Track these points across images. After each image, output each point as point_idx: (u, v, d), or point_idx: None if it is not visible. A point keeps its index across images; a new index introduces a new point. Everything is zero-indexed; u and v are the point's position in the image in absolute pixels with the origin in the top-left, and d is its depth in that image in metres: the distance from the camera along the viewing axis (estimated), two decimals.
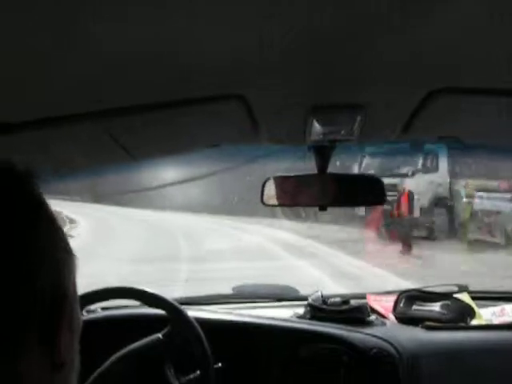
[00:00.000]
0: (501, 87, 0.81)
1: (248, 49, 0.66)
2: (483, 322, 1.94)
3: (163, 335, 1.59)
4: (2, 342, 0.48)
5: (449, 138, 1.11)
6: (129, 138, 0.98)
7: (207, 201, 16.47)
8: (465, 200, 10.49)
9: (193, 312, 1.67)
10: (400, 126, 1.00)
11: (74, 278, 0.56)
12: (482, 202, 10.00)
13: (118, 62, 0.68)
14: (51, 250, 0.54)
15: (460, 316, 1.94)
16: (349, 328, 1.80)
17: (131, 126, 0.92)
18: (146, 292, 1.66)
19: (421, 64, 0.72)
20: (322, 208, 1.30)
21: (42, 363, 0.50)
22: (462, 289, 2.17)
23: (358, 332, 1.78)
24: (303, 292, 2.27)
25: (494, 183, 10.11)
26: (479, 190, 10.20)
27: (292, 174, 1.34)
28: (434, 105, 0.86)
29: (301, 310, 1.97)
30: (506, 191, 9.75)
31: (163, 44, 0.63)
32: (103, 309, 1.86)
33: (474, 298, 2.06)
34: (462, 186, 10.67)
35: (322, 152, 1.22)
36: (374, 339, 1.74)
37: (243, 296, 2.26)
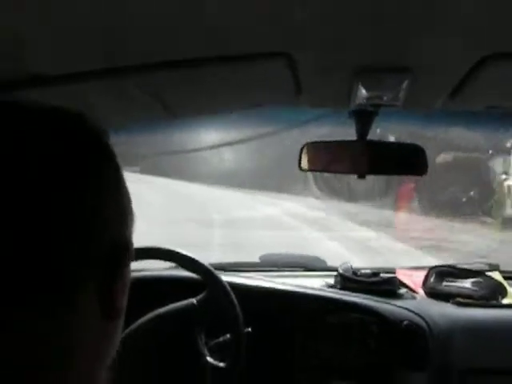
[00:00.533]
0: None
1: (292, 5, 0.64)
2: None
3: (198, 301, 1.59)
4: (63, 282, 0.48)
5: (498, 107, 1.07)
6: (169, 93, 0.97)
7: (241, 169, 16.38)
8: (502, 177, 10.31)
9: (225, 277, 1.68)
10: (448, 93, 0.97)
11: (132, 232, 0.57)
12: None
13: (158, 14, 0.66)
14: (120, 199, 0.54)
15: (491, 294, 1.91)
16: (379, 299, 1.79)
17: (172, 81, 0.91)
18: (182, 254, 1.65)
19: (476, 26, 0.69)
20: (361, 176, 1.28)
21: (96, 310, 0.50)
22: (493, 267, 2.13)
23: (388, 304, 1.77)
24: (331, 264, 2.26)
25: None
26: None
27: (331, 140, 1.32)
28: (486, 71, 0.82)
29: (330, 280, 1.97)
30: None
31: None
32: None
33: (505, 278, 2.02)
34: (500, 162, 10.47)
35: (364, 118, 1.18)
36: (405, 312, 1.73)
37: (271, 264, 2.25)
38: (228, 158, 16.01)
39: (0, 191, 0.46)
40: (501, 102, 1.05)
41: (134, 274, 1.67)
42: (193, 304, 1.59)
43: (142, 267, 1.86)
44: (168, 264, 1.80)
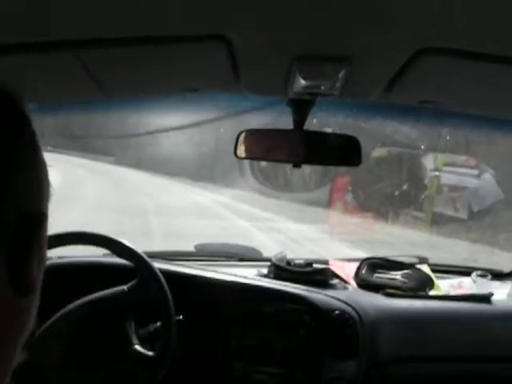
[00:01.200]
0: (490, 53, 0.79)
1: None
2: (441, 293, 1.97)
3: (128, 288, 1.56)
4: None
5: (430, 102, 1.09)
6: (103, 71, 0.94)
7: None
8: (433, 173, 10.62)
9: (158, 264, 1.64)
10: (384, 85, 0.97)
11: (48, 205, 0.54)
12: (449, 177, 10.14)
13: None
14: (34, 170, 0.52)
15: (420, 286, 1.97)
16: (311, 289, 1.80)
17: (107, 59, 0.88)
18: (115, 240, 1.62)
19: (415, 18, 0.69)
20: (296, 165, 1.27)
21: (5, 283, 0.48)
22: (423, 260, 2.20)
23: (320, 293, 1.79)
24: (266, 254, 2.26)
25: (461, 158, 10.26)
26: (447, 165, 10.33)
27: (267, 128, 1.31)
28: (421, 65, 0.84)
29: (264, 270, 1.98)
30: (473, 167, 9.89)
31: None
32: (59, 257, 1.81)
33: (433, 271, 2.09)
34: (431, 159, 10.78)
35: (301, 107, 1.18)
36: (336, 302, 1.75)
37: (206, 254, 2.24)
38: (163, 144, 15.87)
39: None
40: (434, 98, 1.06)
41: (64, 260, 1.62)
42: (123, 291, 1.55)
43: (74, 253, 1.82)
44: (101, 251, 1.75)
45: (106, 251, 1.71)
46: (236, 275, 1.85)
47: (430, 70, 0.87)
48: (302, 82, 0.92)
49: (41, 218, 0.51)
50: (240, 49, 0.83)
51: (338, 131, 1.40)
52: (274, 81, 1.02)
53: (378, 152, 11.22)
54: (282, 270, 1.92)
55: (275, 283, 1.84)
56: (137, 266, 1.58)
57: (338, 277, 2.01)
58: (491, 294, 1.90)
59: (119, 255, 1.62)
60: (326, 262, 2.10)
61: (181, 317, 1.57)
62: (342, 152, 1.28)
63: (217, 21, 0.74)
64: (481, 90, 0.99)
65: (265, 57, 0.88)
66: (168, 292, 1.54)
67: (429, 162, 10.77)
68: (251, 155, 1.33)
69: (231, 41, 0.79)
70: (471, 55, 0.79)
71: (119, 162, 19.57)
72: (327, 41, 0.81)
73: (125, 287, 1.56)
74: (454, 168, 10.16)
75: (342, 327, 1.70)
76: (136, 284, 1.56)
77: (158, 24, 0.75)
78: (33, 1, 0.67)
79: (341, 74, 0.89)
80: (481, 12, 0.65)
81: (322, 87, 0.95)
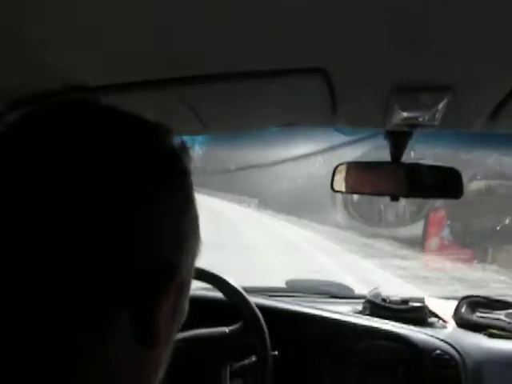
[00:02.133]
0: None
1: (328, 19, 0.63)
2: None
3: (230, 331, 1.57)
4: (101, 295, 0.45)
5: None
6: (203, 107, 0.97)
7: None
8: None
9: (253, 298, 1.65)
10: (487, 115, 0.94)
11: (191, 260, 0.53)
12: None
13: (193, 27, 0.66)
14: (180, 222, 0.51)
15: None
16: (409, 327, 1.74)
17: (206, 95, 0.91)
18: (220, 278, 1.62)
19: None
20: (394, 198, 1.25)
21: (129, 333, 0.47)
22: None
23: (418, 332, 1.72)
24: (358, 291, 2.21)
25: None
26: None
27: (365, 161, 1.30)
28: None
29: (358, 307, 1.94)
30: None
31: (241, 10, 0.61)
32: None
33: None
34: None
35: (399, 139, 1.16)
36: (436, 341, 1.68)
37: (298, 290, 2.22)
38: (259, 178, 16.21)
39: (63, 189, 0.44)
40: None
41: None
42: (224, 333, 1.56)
43: None
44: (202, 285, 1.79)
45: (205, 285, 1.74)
46: (330, 311, 1.82)
47: None
48: (401, 113, 0.91)
49: (176, 270, 0.49)
50: (338, 82, 0.83)
51: (434, 163, 1.36)
52: (372, 113, 1.00)
53: (477, 185, 10.81)
54: (377, 306, 1.87)
55: (371, 320, 1.79)
56: (241, 308, 1.58)
57: (435, 315, 1.93)
58: None
59: (225, 294, 1.63)
60: (421, 300, 2.02)
61: (276, 352, 1.56)
62: (442, 184, 1.24)
63: (315, 54, 0.75)
64: None
65: (363, 89, 0.88)
66: (265, 329, 1.54)
67: None
68: (348, 188, 1.31)
69: (329, 74, 0.80)
70: None
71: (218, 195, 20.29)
72: (426, 71, 0.79)
73: (227, 329, 1.57)
74: None
75: (442, 368, 1.63)
76: (239, 328, 1.57)
77: (257, 58, 0.77)
78: (138, 41, 0.70)
79: (441, 105, 0.86)
80: None
81: (422, 118, 0.93)
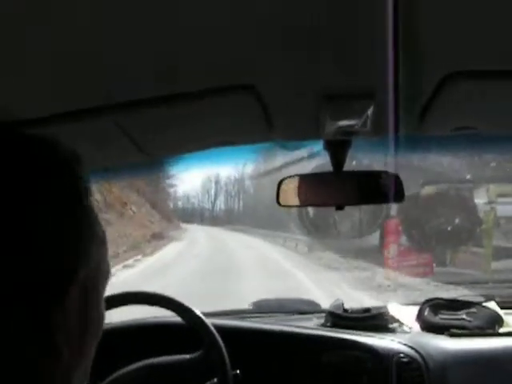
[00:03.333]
0: None
1: (251, 35, 0.64)
2: None
3: (191, 358, 1.55)
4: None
5: (466, 128, 1.06)
6: (138, 132, 0.96)
7: None
8: (487, 206, 10.32)
9: (214, 320, 1.63)
10: (415, 117, 0.96)
11: (94, 266, 0.54)
12: (504, 208, 9.84)
13: (121, 52, 0.66)
14: (76, 228, 0.52)
15: (487, 324, 1.88)
16: (371, 334, 1.75)
17: (140, 120, 0.90)
18: (178, 302, 1.61)
19: (436, 45, 0.69)
20: (339, 207, 1.26)
21: (31, 341, 0.47)
22: (489, 298, 2.11)
23: (380, 338, 1.73)
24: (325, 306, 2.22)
25: None
26: (501, 196, 10.03)
27: (307, 173, 1.31)
28: (450, 90, 0.82)
29: (322, 320, 1.94)
30: None
31: (163, 31, 0.61)
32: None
33: (502, 308, 2.01)
34: (484, 190, 10.51)
35: (337, 148, 1.17)
36: (399, 346, 1.70)
37: (264, 310, 2.22)
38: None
39: None
40: (469, 123, 1.04)
41: (123, 322, 1.64)
42: (184, 360, 1.54)
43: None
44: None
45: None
46: (293, 326, 1.82)
47: (460, 95, 0.85)
48: (333, 122, 0.92)
49: (68, 274, 0.50)
50: (268, 97, 0.84)
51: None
52: (306, 125, 1.02)
53: (428, 190, 11.05)
54: (339, 317, 1.88)
55: (333, 331, 1.80)
56: (202, 335, 1.56)
57: (398, 321, 1.95)
58: None
59: (185, 319, 1.61)
60: (384, 308, 2.04)
61: (238, 371, 1.54)
62: (384, 189, 1.26)
63: (242, 71, 0.76)
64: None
65: (293, 101, 0.89)
66: (222, 346, 1.52)
67: (481, 194, 10.51)
68: (293, 202, 1.32)
69: (258, 89, 0.80)
70: (500, 74, 0.77)
71: None
72: (349, 79, 0.81)
73: (187, 356, 1.55)
74: (508, 198, 9.87)
75: (406, 372, 1.63)
76: (199, 356, 1.54)
77: (185, 79, 0.77)
78: (67, 70, 0.69)
79: (370, 111, 0.88)
80: (500, 30, 0.64)
81: (354, 126, 0.94)
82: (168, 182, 35.60)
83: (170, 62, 0.71)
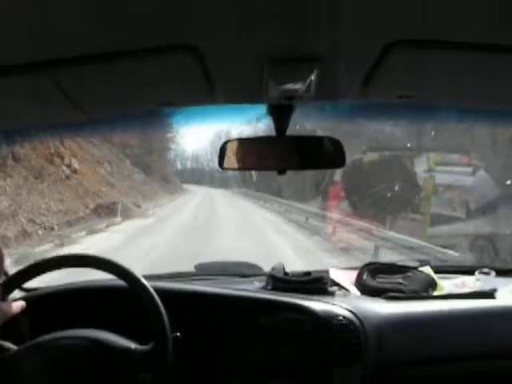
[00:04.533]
0: (463, 41, 0.78)
1: None
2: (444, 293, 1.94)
3: (136, 349, 1.49)
4: None
5: (408, 97, 1.07)
6: (78, 91, 0.93)
7: None
8: (427, 174, 10.58)
9: (154, 283, 1.62)
10: (358, 83, 0.96)
11: None
12: (443, 176, 10.12)
13: (61, 8, 0.64)
14: None
15: (422, 287, 1.95)
16: (311, 298, 1.78)
17: (79, 78, 0.87)
18: (113, 263, 1.56)
19: (380, 12, 0.69)
20: (281, 172, 1.26)
21: None
22: (424, 262, 2.18)
23: (319, 301, 1.76)
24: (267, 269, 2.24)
25: (454, 156, 10.26)
26: (440, 164, 10.30)
27: (250, 137, 1.30)
28: (394, 58, 0.83)
29: (262, 283, 1.95)
30: (466, 165, 9.88)
31: None
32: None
33: (436, 272, 2.07)
34: (425, 159, 10.76)
35: (281, 113, 1.17)
36: (337, 308, 1.73)
37: (205, 273, 2.22)
38: None
39: None
40: (412, 92, 1.05)
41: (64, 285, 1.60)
42: (131, 350, 1.49)
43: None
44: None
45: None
46: (232, 288, 1.83)
47: (403, 63, 0.86)
48: (277, 86, 0.91)
49: None
50: (211, 57, 0.83)
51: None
52: (249, 88, 1.00)
53: (369, 157, 11.24)
54: (279, 280, 1.89)
55: (272, 294, 1.82)
56: (144, 299, 1.52)
57: (338, 285, 1.98)
58: (495, 290, 1.87)
59: (129, 284, 1.56)
60: (325, 272, 2.07)
61: (178, 334, 1.54)
62: (326, 155, 1.26)
63: (186, 31, 0.74)
64: (457, 79, 0.97)
65: (237, 62, 0.88)
66: (162, 309, 1.51)
67: (421, 162, 10.77)
68: (236, 165, 1.31)
69: (200, 50, 0.79)
70: (443, 44, 0.78)
71: None
72: (295, 42, 0.80)
73: (132, 346, 1.49)
74: (447, 167, 10.15)
75: (343, 334, 1.67)
76: (147, 348, 1.49)
77: (128, 37, 0.75)
78: (5, 24, 0.66)
79: (313, 75, 0.88)
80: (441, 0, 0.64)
81: (298, 90, 0.93)
82: (169, 138, 31.76)
83: (112, 18, 0.68)
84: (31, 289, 1.81)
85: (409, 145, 11.42)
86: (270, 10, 0.67)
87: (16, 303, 1.40)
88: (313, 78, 0.88)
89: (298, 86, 0.92)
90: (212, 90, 0.98)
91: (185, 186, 37.52)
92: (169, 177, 34.75)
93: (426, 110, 1.25)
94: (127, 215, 14.77)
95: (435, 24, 0.73)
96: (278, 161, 1.26)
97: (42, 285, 1.86)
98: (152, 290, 1.52)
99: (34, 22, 0.67)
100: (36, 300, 1.66)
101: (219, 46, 0.79)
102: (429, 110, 1.25)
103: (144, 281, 1.54)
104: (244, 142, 1.29)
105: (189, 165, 55.84)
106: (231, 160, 1.28)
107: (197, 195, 30.27)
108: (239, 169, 1.36)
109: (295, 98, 1.00)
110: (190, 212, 17.91)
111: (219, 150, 1.28)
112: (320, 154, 1.26)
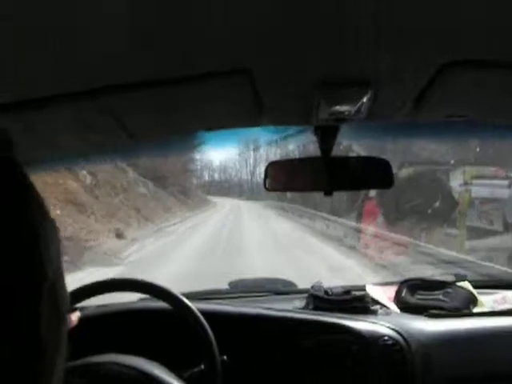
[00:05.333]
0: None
1: (249, 18, 0.63)
2: (486, 310, 1.92)
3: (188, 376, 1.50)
4: None
5: (457, 116, 1.07)
6: (127, 116, 0.95)
7: None
8: (463, 188, 10.44)
9: (194, 304, 1.62)
10: (410, 104, 0.96)
11: (56, 258, 0.52)
12: (479, 190, 9.97)
13: (112, 37, 0.65)
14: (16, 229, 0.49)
15: (463, 304, 1.92)
16: (354, 318, 1.76)
17: (129, 104, 0.89)
18: (155, 285, 1.58)
19: (432, 34, 0.69)
20: (328, 193, 1.26)
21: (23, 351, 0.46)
22: (462, 278, 2.15)
23: (364, 321, 1.74)
24: (302, 286, 2.23)
25: (490, 169, 10.10)
26: (476, 178, 10.15)
27: (295, 158, 1.31)
28: (445, 79, 0.82)
29: (302, 303, 1.94)
30: (502, 178, 9.73)
31: (161, 17, 0.60)
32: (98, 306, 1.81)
33: (474, 287, 2.04)
34: (460, 172, 10.62)
35: (327, 133, 1.17)
36: (381, 328, 1.71)
37: (240, 291, 2.22)
38: None
39: None
40: (461, 111, 1.05)
41: (108, 307, 1.61)
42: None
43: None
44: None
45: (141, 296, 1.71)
46: (275, 309, 1.81)
47: (453, 85, 0.85)
48: (327, 108, 0.91)
49: (43, 274, 0.49)
50: (261, 81, 0.83)
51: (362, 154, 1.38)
52: (298, 110, 1.01)
53: (405, 172, 11.15)
54: (320, 300, 1.88)
55: (314, 313, 1.81)
56: (191, 322, 1.53)
57: (377, 302, 1.97)
58: None
59: (161, 299, 1.58)
60: (363, 288, 2.06)
61: (225, 357, 1.54)
62: (373, 175, 1.26)
63: (237, 55, 0.74)
64: (506, 98, 0.97)
65: (287, 87, 0.88)
66: (210, 333, 1.51)
67: (457, 176, 10.63)
68: (280, 187, 1.31)
69: (252, 74, 0.79)
70: (494, 64, 0.78)
71: None
72: (347, 65, 0.80)
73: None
74: (483, 180, 10.00)
75: (389, 354, 1.65)
76: (198, 371, 1.50)
77: (181, 63, 0.76)
78: (58, 54, 0.68)
79: (365, 98, 0.88)
80: (499, 20, 0.64)
81: (348, 112, 0.94)
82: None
83: (165, 45, 0.69)
84: None
85: (452, 161, 11.27)
86: (322, 33, 0.68)
87: (75, 314, 1.34)
88: (364, 100, 0.88)
89: (349, 108, 0.92)
90: (260, 112, 0.99)
91: (209, 197, 36.18)
92: (190, 189, 33.15)
93: (472, 128, 1.24)
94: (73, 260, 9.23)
95: (488, 44, 0.72)
96: (325, 182, 1.26)
97: None
98: (198, 312, 1.53)
99: (86, 51, 0.68)
100: None
101: (272, 70, 0.80)
102: (475, 128, 1.24)
103: (188, 302, 1.54)
104: (289, 163, 1.30)
105: (216, 176, 55.35)
106: (276, 181, 1.29)
107: (221, 211, 27.89)
108: (285, 190, 1.36)
109: (345, 119, 1.00)
110: (202, 241, 13.51)
111: (264, 171, 1.29)
112: (367, 175, 1.26)
